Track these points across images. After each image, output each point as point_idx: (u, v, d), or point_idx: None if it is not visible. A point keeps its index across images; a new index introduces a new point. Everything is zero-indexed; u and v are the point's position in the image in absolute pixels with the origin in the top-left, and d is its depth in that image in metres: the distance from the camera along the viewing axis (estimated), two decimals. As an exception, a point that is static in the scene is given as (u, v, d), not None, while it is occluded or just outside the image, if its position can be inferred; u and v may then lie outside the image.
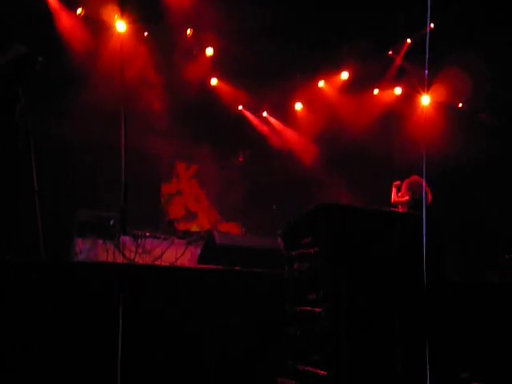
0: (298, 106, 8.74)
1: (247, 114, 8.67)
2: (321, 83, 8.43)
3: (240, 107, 8.58)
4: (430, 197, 4.74)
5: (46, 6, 6.29)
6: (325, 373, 2.81)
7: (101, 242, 5.54)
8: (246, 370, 3.49)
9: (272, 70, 7.54)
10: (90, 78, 6.43)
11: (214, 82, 8.08)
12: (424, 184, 4.39)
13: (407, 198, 4.73)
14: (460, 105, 8.26)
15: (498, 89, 6.88)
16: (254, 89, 8.01)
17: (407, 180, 4.82)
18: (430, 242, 3.16)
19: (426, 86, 7.53)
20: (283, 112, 8.68)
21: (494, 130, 7.40)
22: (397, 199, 4.82)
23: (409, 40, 7.84)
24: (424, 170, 2.96)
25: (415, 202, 4.66)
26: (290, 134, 8.78)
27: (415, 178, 4.76)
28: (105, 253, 5.53)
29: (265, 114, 8.85)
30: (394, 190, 4.91)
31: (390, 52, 8.07)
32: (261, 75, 7.62)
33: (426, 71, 3.18)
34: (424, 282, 2.97)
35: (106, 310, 3.31)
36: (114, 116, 6.49)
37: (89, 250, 5.48)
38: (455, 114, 7.87)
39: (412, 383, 3.00)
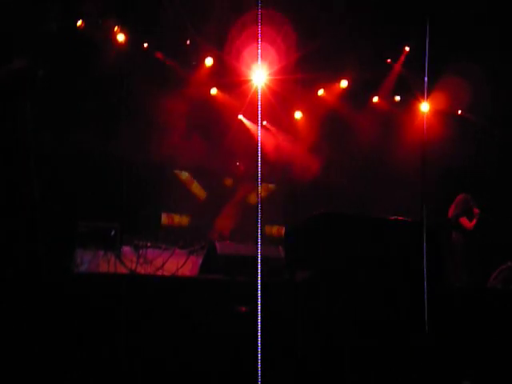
0: (298, 115, 8.77)
1: (246, 122, 8.68)
2: (320, 91, 8.48)
3: (240, 116, 8.60)
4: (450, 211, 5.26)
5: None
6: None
7: (102, 252, 5.53)
8: (246, 380, 3.47)
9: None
10: (91, 86, 6.46)
11: (213, 91, 8.12)
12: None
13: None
14: (459, 112, 8.28)
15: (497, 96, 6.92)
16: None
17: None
18: (430, 249, 3.15)
19: (426, 94, 7.56)
20: (283, 121, 8.70)
21: (494, 136, 7.41)
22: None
23: (407, 48, 7.91)
24: (423, 176, 2.96)
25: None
26: (289, 143, 8.79)
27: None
28: (106, 264, 5.52)
29: (264, 122, 8.88)
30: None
31: (389, 60, 8.12)
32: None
33: (426, 78, 3.20)
34: (425, 289, 2.97)
35: (107, 320, 3.30)
36: (116, 125, 6.52)
37: (89, 261, 5.46)
38: (455, 121, 7.88)
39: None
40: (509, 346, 3.72)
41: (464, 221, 5.56)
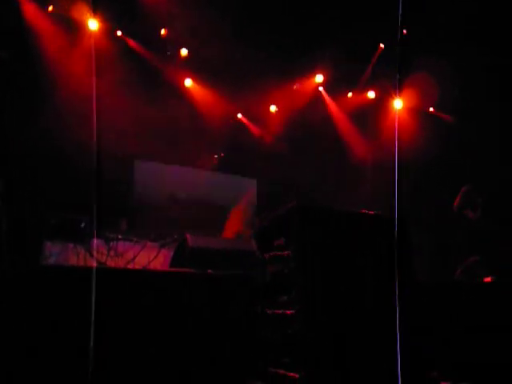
0: (273, 108, 8.78)
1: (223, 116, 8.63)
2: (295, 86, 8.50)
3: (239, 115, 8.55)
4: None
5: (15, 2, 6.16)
6: (296, 375, 2.81)
7: (71, 245, 5.44)
8: (217, 373, 3.46)
9: (246, 72, 7.55)
10: (62, 77, 6.32)
11: (188, 83, 8.04)
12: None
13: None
14: (431, 109, 8.42)
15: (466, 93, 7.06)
16: (228, 90, 7.99)
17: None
18: (400, 243, 3.20)
19: (398, 91, 7.68)
20: (257, 114, 8.68)
21: (464, 132, 7.54)
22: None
23: (382, 45, 7.98)
24: (396, 173, 3.00)
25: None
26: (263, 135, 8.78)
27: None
28: (75, 256, 5.43)
29: (239, 115, 8.84)
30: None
31: (365, 56, 8.19)
32: (235, 77, 7.63)
33: (398, 75, 3.22)
34: (397, 283, 3.00)
35: (76, 315, 3.24)
36: (87, 116, 6.37)
37: (58, 253, 5.37)
38: (426, 117, 8.02)
39: (384, 383, 3.03)
40: (472, 338, 3.82)
41: (467, 212, 5.48)
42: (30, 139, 6.33)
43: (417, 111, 7.93)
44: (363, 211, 3.49)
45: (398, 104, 8.11)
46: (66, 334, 3.19)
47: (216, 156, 8.74)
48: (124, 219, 7.18)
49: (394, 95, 8.09)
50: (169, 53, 7.53)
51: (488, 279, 5.19)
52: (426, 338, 3.38)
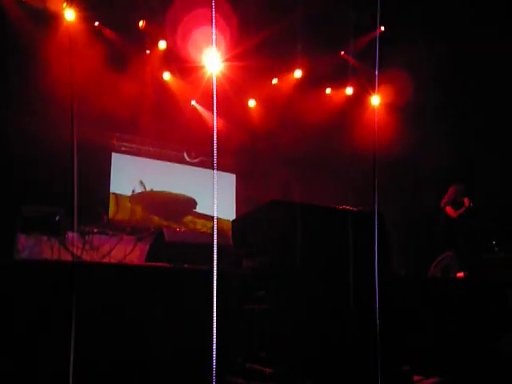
0: (252, 103, 8.75)
1: (199, 109, 8.57)
2: (274, 80, 8.49)
3: (193, 102, 8.48)
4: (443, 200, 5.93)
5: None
6: (271, 370, 2.82)
7: (45, 238, 5.34)
8: (194, 369, 3.46)
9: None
10: (37, 66, 6.19)
11: (166, 76, 7.95)
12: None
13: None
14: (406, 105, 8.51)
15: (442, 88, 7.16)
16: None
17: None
18: (378, 238, 3.24)
19: (376, 87, 7.74)
20: (236, 108, 8.65)
21: (441, 129, 7.64)
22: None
23: (362, 40, 8.01)
24: (375, 169, 3.02)
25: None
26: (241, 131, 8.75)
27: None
28: (49, 250, 5.34)
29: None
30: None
31: (342, 52, 8.22)
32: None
33: (376, 72, 3.24)
34: (375, 277, 3.04)
35: (50, 310, 3.18)
36: (62, 107, 6.26)
37: (32, 246, 5.27)
38: (403, 113, 8.10)
39: (361, 378, 3.07)
40: (445, 332, 3.90)
41: (449, 209, 5.97)
42: (2, 130, 6.19)
43: (394, 107, 8.01)
44: (341, 207, 3.52)
45: (375, 100, 8.18)
46: (41, 330, 3.14)
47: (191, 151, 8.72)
48: (104, 213, 7.11)
49: (371, 91, 8.15)
50: (148, 51, 7.45)
51: (460, 274, 5.32)
52: (399, 332, 3.43)
